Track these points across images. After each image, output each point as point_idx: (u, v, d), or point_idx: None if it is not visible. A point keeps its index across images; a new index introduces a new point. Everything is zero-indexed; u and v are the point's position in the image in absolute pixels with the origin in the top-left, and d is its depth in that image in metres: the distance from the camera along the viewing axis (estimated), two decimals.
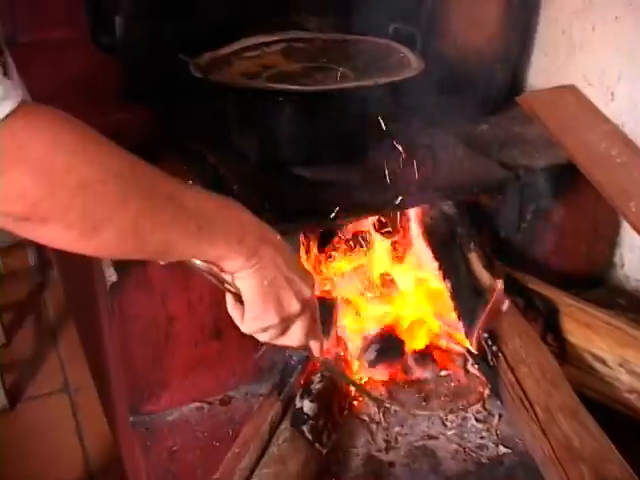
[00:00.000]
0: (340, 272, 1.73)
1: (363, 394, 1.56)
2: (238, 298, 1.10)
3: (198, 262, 1.05)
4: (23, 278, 3.44)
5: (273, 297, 1.09)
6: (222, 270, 1.06)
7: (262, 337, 1.15)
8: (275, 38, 1.84)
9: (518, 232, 1.77)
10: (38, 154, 0.81)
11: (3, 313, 3.07)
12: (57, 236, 0.88)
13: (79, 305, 2.23)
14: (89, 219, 0.87)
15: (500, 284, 1.51)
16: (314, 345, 1.23)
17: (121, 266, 1.40)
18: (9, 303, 3.25)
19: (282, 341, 1.17)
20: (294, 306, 1.12)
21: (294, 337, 1.17)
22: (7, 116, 0.78)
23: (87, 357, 2.44)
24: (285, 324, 1.14)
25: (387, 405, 1.56)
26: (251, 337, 1.53)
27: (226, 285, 1.09)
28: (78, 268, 1.94)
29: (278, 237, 1.11)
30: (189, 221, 0.98)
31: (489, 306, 1.50)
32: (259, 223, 1.09)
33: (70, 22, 2.41)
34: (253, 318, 1.11)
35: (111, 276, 1.41)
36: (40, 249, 3.40)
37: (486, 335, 1.47)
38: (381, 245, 1.74)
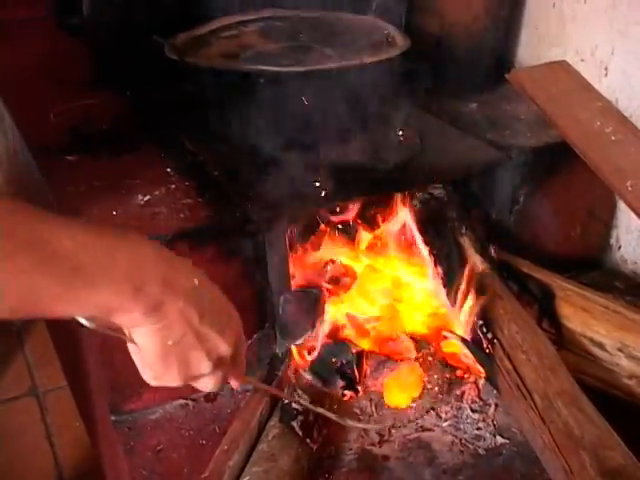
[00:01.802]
0: (325, 264, 1.76)
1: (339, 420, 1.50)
2: None
3: (84, 321, 0.90)
4: None
5: (178, 358, 0.96)
6: (113, 326, 0.92)
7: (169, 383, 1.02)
8: (252, 17, 1.86)
9: (511, 214, 1.81)
10: None
11: None
12: None
13: None
14: None
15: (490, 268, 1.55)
16: (233, 382, 1.13)
17: None
18: None
19: (194, 385, 1.05)
20: (204, 368, 0.99)
21: (207, 385, 1.05)
22: None
23: (59, 355, 2.45)
24: (193, 381, 1.03)
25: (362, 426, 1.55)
26: None
27: (122, 337, 0.96)
28: None
29: (198, 277, 0.97)
30: (60, 264, 0.83)
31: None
32: (169, 263, 0.94)
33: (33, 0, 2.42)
34: (153, 378, 1.00)
35: None
36: None
37: (480, 322, 1.50)
38: (367, 235, 1.77)
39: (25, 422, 2.76)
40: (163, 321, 0.91)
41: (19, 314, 0.85)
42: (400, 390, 1.58)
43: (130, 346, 0.98)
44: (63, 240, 0.83)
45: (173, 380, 0.99)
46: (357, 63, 1.61)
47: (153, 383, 1.00)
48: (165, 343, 0.93)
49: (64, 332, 2.01)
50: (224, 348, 1.00)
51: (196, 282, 0.96)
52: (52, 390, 2.82)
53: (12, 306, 0.82)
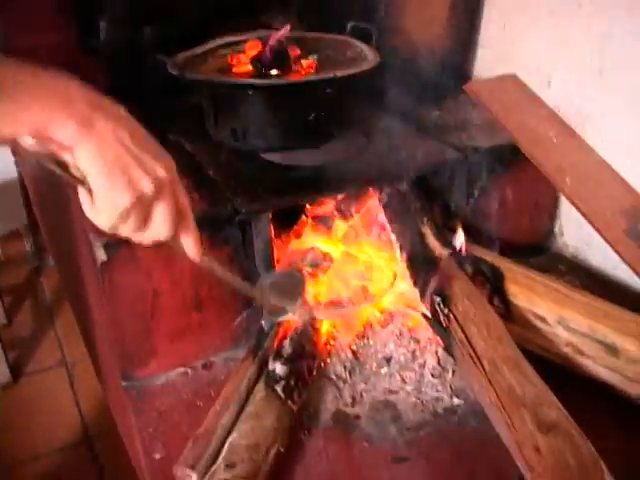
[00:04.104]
0: (306, 250, 1.76)
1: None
2: (91, 192, 0.92)
3: (29, 141, 0.85)
4: (21, 263, 3.46)
5: (120, 172, 0.90)
6: (57, 145, 0.87)
7: (123, 231, 0.96)
8: (244, 37, 1.86)
9: (467, 206, 1.81)
10: None
11: (3, 296, 3.09)
12: None
13: (73, 285, 2.25)
14: None
15: (447, 252, 1.55)
16: (187, 241, 1.05)
17: (110, 246, 1.43)
18: (8, 287, 3.28)
19: (147, 235, 0.98)
20: (146, 184, 0.91)
21: (159, 227, 0.97)
22: None
23: (82, 333, 2.46)
24: (143, 209, 0.94)
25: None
26: (228, 308, 1.60)
27: (75, 174, 0.91)
28: (69, 251, 1.96)
29: (122, 110, 0.93)
30: None
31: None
32: (95, 93, 0.89)
33: (58, 28, 2.42)
34: (103, 199, 0.91)
35: (101, 256, 1.43)
36: (35, 236, 3.41)
37: (438, 299, 1.50)
38: (342, 225, 1.77)
39: (56, 389, 2.81)
40: (94, 137, 0.86)
41: None
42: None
43: (80, 192, 0.93)
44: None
45: (122, 196, 0.90)
46: (332, 76, 1.60)
47: (107, 210, 0.92)
48: (104, 157, 0.88)
49: (85, 313, 2.02)
50: (160, 171, 0.93)
51: (122, 111, 0.92)
52: (78, 362, 2.86)
53: None
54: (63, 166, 0.91)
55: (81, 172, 0.89)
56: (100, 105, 0.88)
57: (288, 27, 1.68)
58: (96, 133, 0.87)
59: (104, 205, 0.92)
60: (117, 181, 0.89)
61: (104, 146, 0.88)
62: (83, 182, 0.91)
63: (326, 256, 1.73)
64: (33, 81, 0.84)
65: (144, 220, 0.95)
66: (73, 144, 0.86)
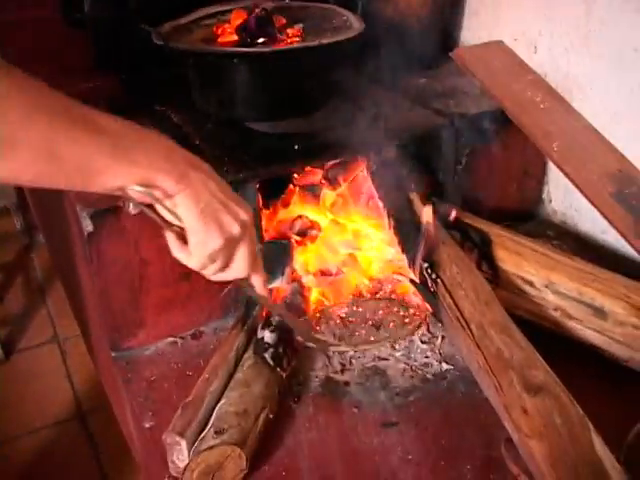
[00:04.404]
0: (294, 219, 1.76)
1: (310, 341, 1.54)
2: (179, 236, 1.05)
3: (135, 188, 0.96)
4: (11, 241, 3.46)
5: (212, 219, 1.03)
6: (161, 193, 0.98)
7: (209, 271, 1.09)
8: (229, 7, 1.84)
9: (455, 173, 1.80)
10: None
11: None
12: None
13: (62, 261, 2.25)
14: None
15: (428, 213, 1.54)
16: (256, 281, 1.18)
17: (96, 216, 1.42)
18: None
19: (228, 274, 1.12)
20: (234, 227, 1.05)
21: (239, 266, 1.11)
22: None
23: (73, 309, 2.46)
24: (229, 250, 1.08)
25: (333, 349, 1.57)
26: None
27: (168, 218, 1.03)
28: (58, 226, 1.95)
29: (207, 165, 1.05)
30: (104, 137, 0.90)
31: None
32: (186, 151, 1.03)
33: (42, 1, 2.42)
34: (197, 243, 1.04)
35: (88, 226, 1.43)
36: (25, 214, 3.40)
37: (426, 265, 1.49)
38: (330, 193, 1.76)
39: (48, 365, 2.82)
40: (191, 187, 0.99)
41: (76, 183, 0.93)
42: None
43: (170, 241, 1.06)
44: (107, 120, 0.91)
45: (214, 240, 1.04)
46: (317, 44, 1.59)
47: (199, 253, 1.06)
48: (198, 205, 1.01)
49: (75, 287, 2.01)
50: (243, 215, 1.07)
51: (207, 166, 1.05)
52: (70, 337, 2.86)
53: (75, 169, 0.89)
54: (155, 212, 1.03)
55: (172, 217, 1.02)
56: (191, 161, 1.02)
57: None
58: (192, 185, 1.00)
59: (197, 247, 1.05)
60: (210, 225, 1.03)
61: (198, 195, 1.01)
62: (171, 225, 1.04)
63: (314, 225, 1.72)
64: (141, 139, 0.96)
65: (229, 260, 1.09)
66: (173, 194, 0.99)
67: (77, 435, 2.51)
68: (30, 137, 0.83)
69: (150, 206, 1.02)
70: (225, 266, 1.10)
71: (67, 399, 2.64)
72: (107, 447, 2.44)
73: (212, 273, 1.10)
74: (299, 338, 1.51)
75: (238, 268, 1.12)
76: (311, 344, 1.54)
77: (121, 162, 0.93)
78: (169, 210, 1.02)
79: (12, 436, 2.49)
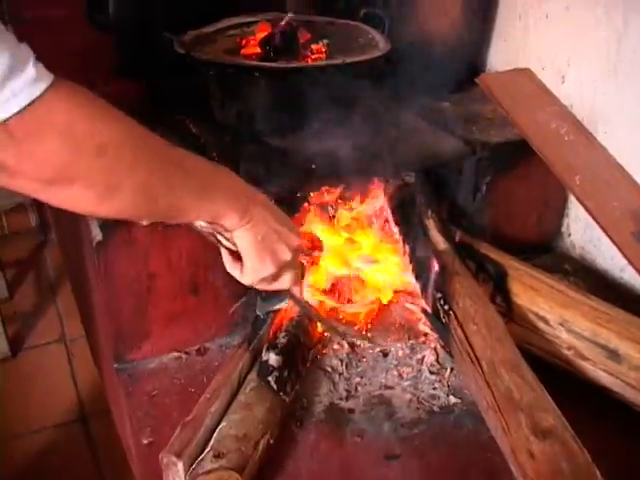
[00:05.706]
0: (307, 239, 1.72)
1: (329, 330, 1.56)
2: (235, 256, 1.18)
3: (201, 224, 1.13)
4: (25, 238, 3.45)
5: (268, 250, 1.16)
6: (223, 228, 1.12)
7: (259, 285, 1.23)
8: (256, 19, 1.82)
9: (474, 201, 1.76)
10: (63, 121, 0.85)
11: (6, 269, 3.07)
12: (80, 198, 0.91)
13: (72, 263, 2.23)
14: (107, 180, 0.91)
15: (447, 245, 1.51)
16: (296, 288, 1.36)
17: (106, 226, 1.40)
18: (12, 260, 3.27)
19: (274, 286, 1.26)
20: (286, 255, 1.19)
21: (285, 282, 1.26)
22: (44, 93, 0.83)
23: (80, 312, 2.44)
24: (279, 273, 1.22)
25: (351, 339, 1.57)
26: (225, 294, 1.56)
27: (225, 244, 1.18)
28: (70, 229, 1.93)
29: (264, 196, 1.17)
30: (193, 182, 1.03)
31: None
32: (247, 185, 1.15)
33: (67, 1, 2.39)
34: (252, 270, 1.18)
35: (97, 235, 1.40)
36: (41, 211, 3.39)
37: (439, 295, 1.46)
38: (346, 214, 1.72)
39: (54, 365, 2.80)
40: (251, 222, 1.12)
41: (164, 217, 1.09)
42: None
43: (225, 257, 1.21)
44: (191, 164, 1.04)
45: (267, 268, 1.19)
46: (340, 62, 1.56)
47: (253, 277, 1.20)
48: (256, 238, 1.14)
49: (82, 292, 1.99)
50: (294, 240, 1.21)
51: (264, 197, 1.18)
52: (77, 338, 2.85)
53: (167, 209, 1.03)
54: (217, 239, 1.19)
55: (235, 245, 1.16)
56: (253, 197, 1.14)
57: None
58: (252, 221, 1.12)
59: (251, 272, 1.19)
60: (265, 256, 1.17)
61: (256, 230, 1.14)
62: (233, 251, 1.18)
63: (315, 245, 1.68)
64: (218, 180, 1.09)
65: (277, 278, 1.24)
66: (234, 229, 1.13)
67: (78, 438, 2.49)
68: (134, 183, 0.94)
69: None
70: (273, 282, 1.25)
71: (70, 401, 2.62)
72: (107, 453, 2.41)
73: (259, 287, 1.25)
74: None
75: (284, 283, 1.26)
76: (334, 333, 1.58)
77: (204, 201, 1.06)
78: (227, 238, 1.17)
79: (14, 434, 2.47)
